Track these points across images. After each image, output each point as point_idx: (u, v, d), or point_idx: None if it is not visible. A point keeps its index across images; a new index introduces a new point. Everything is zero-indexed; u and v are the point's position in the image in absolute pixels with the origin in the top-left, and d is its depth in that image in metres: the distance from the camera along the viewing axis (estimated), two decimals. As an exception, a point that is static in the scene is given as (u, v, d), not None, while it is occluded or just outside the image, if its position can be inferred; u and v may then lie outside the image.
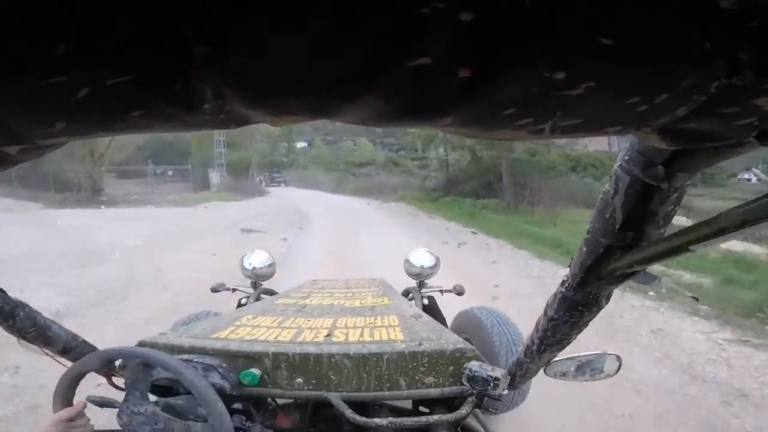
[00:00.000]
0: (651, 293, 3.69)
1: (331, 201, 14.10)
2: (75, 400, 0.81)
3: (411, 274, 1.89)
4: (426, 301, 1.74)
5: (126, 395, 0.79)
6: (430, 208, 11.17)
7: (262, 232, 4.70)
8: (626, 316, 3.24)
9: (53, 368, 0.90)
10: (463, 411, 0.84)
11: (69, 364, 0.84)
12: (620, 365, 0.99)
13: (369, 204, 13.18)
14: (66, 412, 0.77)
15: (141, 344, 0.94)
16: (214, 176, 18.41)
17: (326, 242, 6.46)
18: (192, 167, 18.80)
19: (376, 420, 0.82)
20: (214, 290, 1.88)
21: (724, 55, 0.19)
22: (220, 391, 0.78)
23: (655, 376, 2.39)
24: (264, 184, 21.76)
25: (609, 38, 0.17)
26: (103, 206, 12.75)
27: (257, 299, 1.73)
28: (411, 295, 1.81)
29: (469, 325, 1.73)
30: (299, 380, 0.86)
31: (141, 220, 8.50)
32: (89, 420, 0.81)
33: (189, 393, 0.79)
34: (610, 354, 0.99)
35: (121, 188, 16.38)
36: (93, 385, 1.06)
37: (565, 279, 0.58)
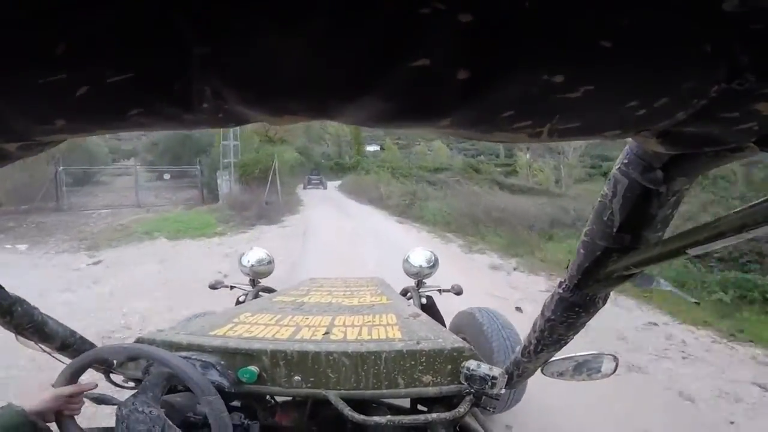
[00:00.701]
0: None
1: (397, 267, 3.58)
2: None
3: (409, 274, 1.87)
4: (424, 301, 1.72)
5: (137, 392, 0.77)
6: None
7: None
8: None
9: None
10: (461, 409, 0.83)
11: (67, 360, 0.84)
12: (617, 365, 0.98)
13: (520, 308, 3.43)
14: (69, 389, 0.78)
15: (139, 341, 0.92)
16: (224, 183, 11.80)
17: None
18: (202, 169, 12.56)
19: (375, 418, 0.81)
20: (213, 287, 1.86)
21: (725, 58, 0.18)
22: (219, 389, 0.78)
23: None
24: (303, 186, 18.28)
25: (609, 41, 0.17)
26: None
27: (255, 297, 1.70)
28: (409, 294, 1.79)
29: (467, 326, 1.71)
30: (297, 378, 0.85)
31: None
32: (83, 401, 0.82)
33: (188, 390, 0.78)
34: (607, 354, 0.97)
35: (105, 197, 11.59)
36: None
37: (563, 280, 0.58)
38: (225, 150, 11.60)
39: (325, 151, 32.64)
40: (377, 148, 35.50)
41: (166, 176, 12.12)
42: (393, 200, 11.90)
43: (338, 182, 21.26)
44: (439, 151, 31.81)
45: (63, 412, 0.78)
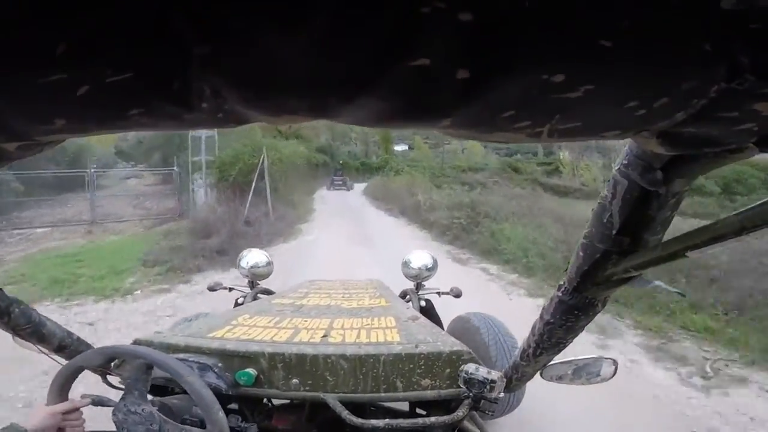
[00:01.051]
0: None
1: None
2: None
3: (408, 276, 1.86)
4: (423, 303, 1.72)
5: (124, 394, 0.77)
6: None
7: None
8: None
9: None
10: (459, 413, 0.83)
11: (64, 361, 0.83)
12: (616, 369, 0.97)
13: None
14: (63, 406, 0.78)
15: (137, 343, 0.92)
16: (200, 189, 8.39)
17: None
18: (179, 171, 9.39)
19: (373, 421, 0.81)
20: (211, 289, 1.85)
21: (724, 57, 0.18)
22: (216, 391, 0.77)
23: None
24: (327, 188, 16.98)
25: (609, 40, 0.17)
26: None
27: (254, 299, 1.71)
28: (408, 296, 1.79)
29: (464, 331, 1.70)
30: (295, 381, 0.85)
31: None
32: (82, 415, 0.81)
33: (185, 392, 0.77)
34: (606, 358, 0.97)
35: (76, 206, 8.86)
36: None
37: (562, 283, 0.58)
38: (196, 145, 8.34)
39: (352, 150, 30.93)
40: (405, 147, 33.64)
41: (132, 181, 9.30)
42: (437, 214, 7.66)
43: (364, 184, 18.00)
44: (473, 149, 29.15)
45: (65, 430, 0.78)
